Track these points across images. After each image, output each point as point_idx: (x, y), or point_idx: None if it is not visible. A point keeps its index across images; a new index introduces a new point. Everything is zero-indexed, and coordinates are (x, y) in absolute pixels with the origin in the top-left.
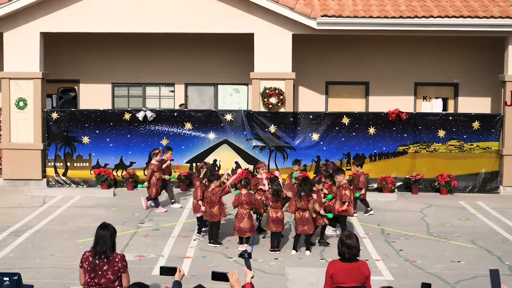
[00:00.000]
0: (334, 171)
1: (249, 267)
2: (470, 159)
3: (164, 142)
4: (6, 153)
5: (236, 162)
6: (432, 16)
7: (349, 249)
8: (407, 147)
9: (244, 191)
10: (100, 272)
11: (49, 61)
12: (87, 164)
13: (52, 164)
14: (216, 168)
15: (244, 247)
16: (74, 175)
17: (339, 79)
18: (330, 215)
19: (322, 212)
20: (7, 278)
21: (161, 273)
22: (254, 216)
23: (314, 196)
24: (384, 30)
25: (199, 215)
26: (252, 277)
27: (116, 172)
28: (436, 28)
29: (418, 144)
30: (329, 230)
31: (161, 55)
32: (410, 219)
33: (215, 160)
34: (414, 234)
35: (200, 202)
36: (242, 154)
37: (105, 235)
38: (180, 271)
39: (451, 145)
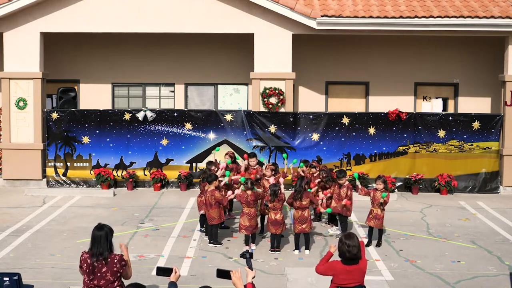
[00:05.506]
0: (338, 172)
1: (250, 267)
2: (470, 159)
3: (164, 142)
4: (6, 153)
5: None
6: (432, 16)
7: (349, 248)
8: (407, 147)
9: (249, 192)
10: (99, 274)
11: (49, 61)
12: (87, 164)
13: (52, 164)
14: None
15: (253, 246)
16: (74, 175)
17: (339, 79)
18: (330, 210)
19: (322, 210)
20: (7, 278)
21: (157, 274)
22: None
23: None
24: (384, 30)
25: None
26: (254, 277)
27: (116, 172)
28: (436, 28)
29: (418, 144)
30: (332, 229)
31: (161, 55)
32: (410, 219)
33: (215, 160)
34: (414, 234)
35: (229, 192)
36: (242, 154)
37: (101, 236)
38: (176, 272)
39: (451, 145)
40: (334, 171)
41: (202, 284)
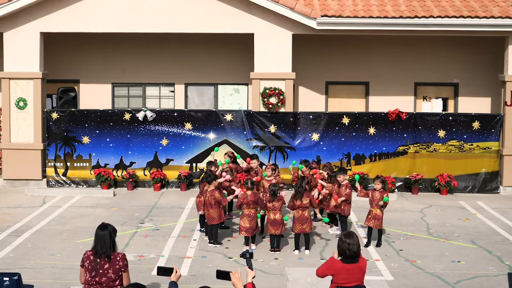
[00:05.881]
0: (338, 170)
1: (250, 267)
2: (470, 159)
3: (164, 142)
4: (6, 153)
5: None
6: (432, 16)
7: (349, 246)
8: (407, 147)
9: (249, 192)
10: (101, 271)
11: (49, 61)
12: (87, 164)
13: (52, 164)
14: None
15: (253, 246)
16: (74, 175)
17: (339, 79)
18: (327, 220)
19: (318, 215)
20: (7, 278)
21: (158, 273)
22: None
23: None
24: (384, 30)
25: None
26: (254, 277)
27: (116, 172)
28: (436, 28)
29: (418, 144)
30: (332, 229)
31: (161, 55)
32: (410, 219)
33: (215, 160)
34: (414, 234)
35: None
36: (242, 154)
37: (105, 235)
38: (176, 271)
39: (451, 145)
40: (335, 170)
41: (202, 284)
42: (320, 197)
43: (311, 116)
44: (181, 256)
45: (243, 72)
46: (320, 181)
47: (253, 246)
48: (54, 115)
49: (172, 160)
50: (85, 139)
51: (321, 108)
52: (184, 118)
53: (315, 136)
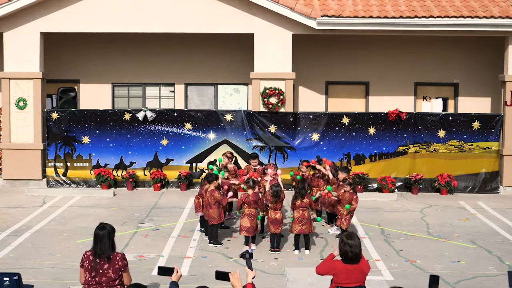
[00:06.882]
0: (340, 168)
1: (250, 267)
2: (470, 159)
3: (164, 142)
4: (6, 153)
5: (237, 164)
6: (432, 16)
7: (351, 248)
8: (407, 147)
9: (250, 191)
10: (100, 271)
11: (49, 61)
12: (87, 164)
13: (52, 164)
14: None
15: (253, 246)
16: (74, 175)
17: (339, 79)
18: (320, 219)
19: (314, 215)
20: (7, 278)
21: (159, 273)
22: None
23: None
24: (384, 30)
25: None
26: (254, 277)
27: (116, 172)
28: (436, 28)
29: (418, 144)
30: (332, 229)
31: (161, 55)
32: (410, 219)
33: (215, 160)
34: (414, 234)
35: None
36: (242, 154)
37: (103, 236)
38: (177, 271)
39: (451, 145)
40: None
41: (202, 284)
42: (318, 195)
43: (311, 116)
44: (181, 256)
45: (243, 72)
46: (328, 170)
47: (253, 246)
48: (54, 115)
49: (172, 160)
50: (85, 139)
51: (321, 108)
52: (184, 118)
53: (315, 136)
